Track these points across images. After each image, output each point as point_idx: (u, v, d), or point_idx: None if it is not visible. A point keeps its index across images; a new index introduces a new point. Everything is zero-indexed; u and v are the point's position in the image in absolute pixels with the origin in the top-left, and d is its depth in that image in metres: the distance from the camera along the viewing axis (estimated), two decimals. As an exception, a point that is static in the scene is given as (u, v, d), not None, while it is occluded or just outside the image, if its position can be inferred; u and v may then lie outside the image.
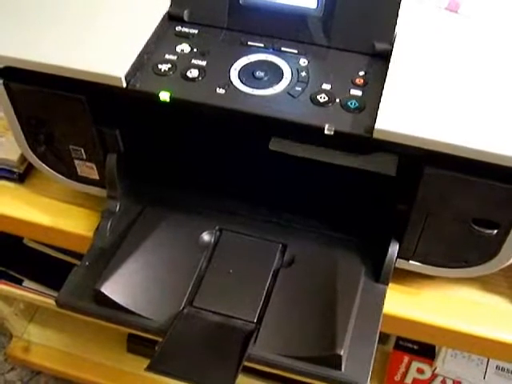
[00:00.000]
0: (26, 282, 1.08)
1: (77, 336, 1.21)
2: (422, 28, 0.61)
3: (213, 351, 0.58)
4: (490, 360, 0.96)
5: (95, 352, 1.19)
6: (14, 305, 1.20)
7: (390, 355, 1.02)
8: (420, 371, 1.00)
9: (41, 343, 1.23)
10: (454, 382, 0.97)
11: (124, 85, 0.58)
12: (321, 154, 0.65)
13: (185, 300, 0.61)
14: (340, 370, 0.57)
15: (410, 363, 1.00)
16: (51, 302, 1.03)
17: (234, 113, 0.56)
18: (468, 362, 0.94)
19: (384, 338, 1.03)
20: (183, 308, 0.61)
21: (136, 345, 1.16)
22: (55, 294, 0.94)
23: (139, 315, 0.60)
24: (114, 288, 0.61)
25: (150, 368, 0.56)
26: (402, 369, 1.01)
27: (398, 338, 1.00)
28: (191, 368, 0.57)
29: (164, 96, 0.57)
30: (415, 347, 0.98)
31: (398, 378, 1.03)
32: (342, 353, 0.56)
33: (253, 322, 0.60)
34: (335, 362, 0.56)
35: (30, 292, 1.08)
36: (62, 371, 1.21)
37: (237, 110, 0.56)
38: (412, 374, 1.01)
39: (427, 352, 0.98)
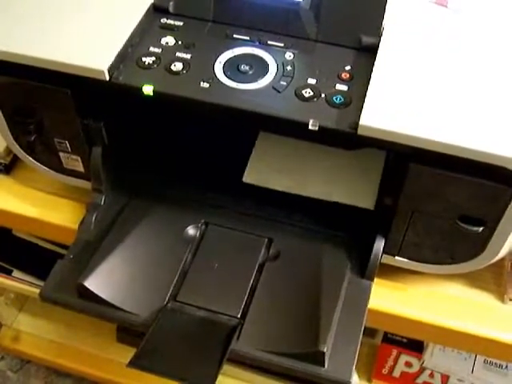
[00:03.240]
0: (16, 273, 1.07)
1: (67, 325, 1.21)
2: (410, 22, 0.60)
3: (196, 346, 0.58)
4: (478, 354, 0.96)
5: (85, 341, 1.19)
6: (4, 294, 1.20)
7: (378, 348, 1.02)
8: (408, 364, 1.00)
9: (31, 332, 1.23)
10: (442, 375, 0.97)
11: (107, 78, 0.57)
12: (295, 188, 0.65)
13: (169, 294, 0.61)
14: (323, 366, 0.56)
15: (398, 356, 1.00)
16: (40, 292, 1.02)
17: (217, 107, 0.56)
18: (456, 355, 0.94)
19: (372, 331, 1.03)
20: (167, 302, 0.61)
21: (125, 335, 1.16)
22: (44, 284, 0.95)
23: (123, 310, 0.60)
24: (98, 282, 0.60)
25: (131, 364, 0.55)
26: (390, 362, 1.01)
27: (387, 331, 1.00)
28: (173, 364, 0.57)
29: (147, 90, 0.56)
30: (404, 340, 0.98)
31: (385, 371, 1.03)
32: (325, 350, 0.56)
33: (237, 318, 0.59)
34: (318, 359, 0.56)
35: (19, 282, 1.07)
36: (51, 360, 1.21)
37: (220, 105, 0.55)
38: (400, 367, 1.01)
39: (415, 345, 0.97)
